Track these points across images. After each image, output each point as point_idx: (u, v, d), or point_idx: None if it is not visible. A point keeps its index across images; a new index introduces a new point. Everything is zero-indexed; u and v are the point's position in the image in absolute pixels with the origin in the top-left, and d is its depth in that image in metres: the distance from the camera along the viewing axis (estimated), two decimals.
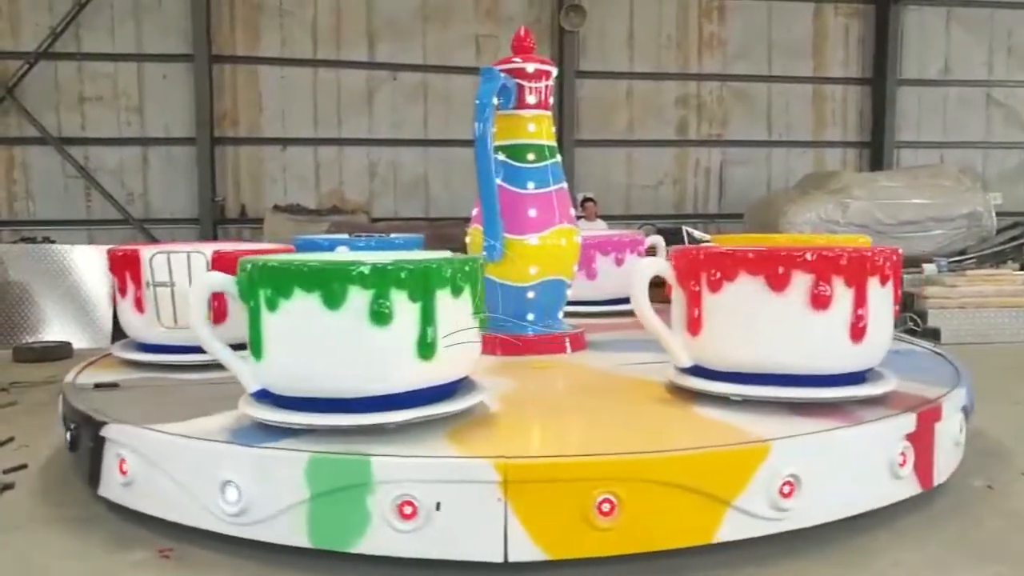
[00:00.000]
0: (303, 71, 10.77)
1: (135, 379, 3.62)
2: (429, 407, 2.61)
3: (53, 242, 8.37)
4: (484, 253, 3.83)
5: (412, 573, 2.43)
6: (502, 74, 3.91)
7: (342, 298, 2.44)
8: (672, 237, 7.85)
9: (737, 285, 2.82)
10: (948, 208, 9.66)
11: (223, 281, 2.71)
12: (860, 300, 2.79)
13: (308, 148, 10.92)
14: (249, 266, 2.60)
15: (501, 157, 3.98)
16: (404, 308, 2.48)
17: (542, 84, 4.03)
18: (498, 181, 3.90)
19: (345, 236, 5.41)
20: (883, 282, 2.87)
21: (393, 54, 11.01)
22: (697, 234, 9.20)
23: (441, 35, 11.11)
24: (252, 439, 2.57)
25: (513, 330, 4.03)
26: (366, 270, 2.45)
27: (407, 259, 2.66)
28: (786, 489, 2.46)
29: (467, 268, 2.68)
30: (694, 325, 2.96)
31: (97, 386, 3.48)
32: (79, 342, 7.21)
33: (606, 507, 2.30)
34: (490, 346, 4.00)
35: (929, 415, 2.88)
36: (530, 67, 3.98)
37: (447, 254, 2.93)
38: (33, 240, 8.68)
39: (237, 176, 10.79)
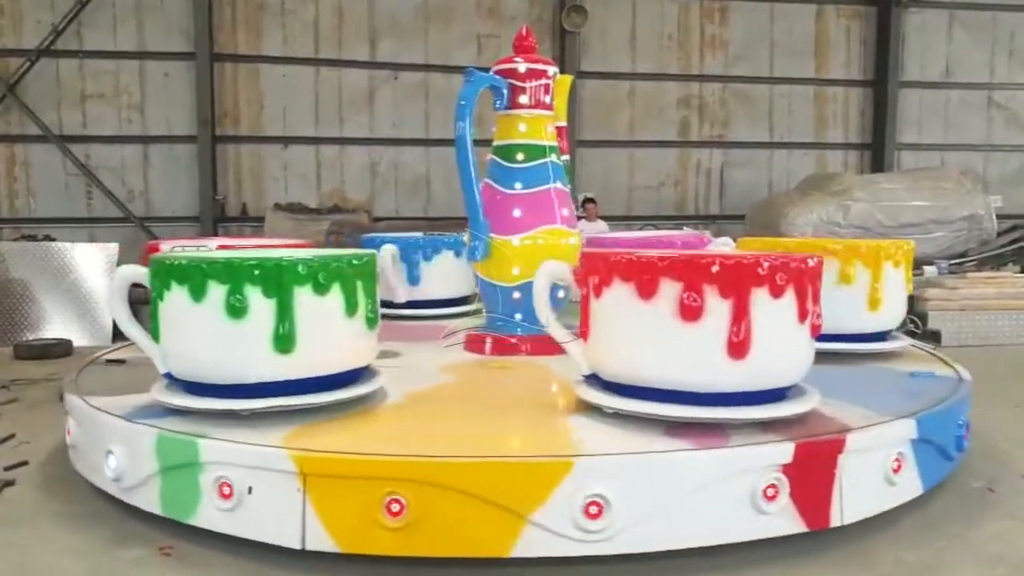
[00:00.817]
0: (305, 70, 10.77)
1: (141, 357, 3.68)
2: (278, 399, 2.75)
3: (54, 240, 8.38)
4: (467, 251, 3.96)
5: (414, 572, 2.43)
6: (491, 75, 3.97)
7: (203, 292, 2.68)
8: None
9: (612, 291, 2.69)
10: (949, 210, 9.65)
11: (138, 273, 2.97)
12: (739, 313, 2.51)
13: (309, 147, 10.93)
14: (152, 260, 2.88)
15: (492, 157, 4.03)
16: (259, 303, 2.67)
17: (534, 84, 4.01)
18: (488, 181, 3.99)
19: (419, 235, 5.41)
20: (775, 294, 2.55)
21: (395, 53, 11.01)
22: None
23: (443, 34, 11.11)
24: (139, 415, 2.86)
25: (503, 330, 4.05)
26: (221, 266, 2.67)
27: (271, 256, 2.83)
28: (592, 510, 2.33)
29: (333, 267, 2.76)
30: (584, 331, 2.89)
31: (108, 361, 3.99)
32: (79, 340, 7.22)
33: (395, 507, 2.34)
34: (480, 344, 4.04)
35: (821, 447, 2.56)
36: (521, 67, 3.97)
37: (333, 252, 3.10)
38: (34, 238, 8.69)
39: (238, 174, 10.79)
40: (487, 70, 4.04)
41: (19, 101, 9.96)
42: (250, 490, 2.48)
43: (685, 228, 9.79)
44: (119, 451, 2.78)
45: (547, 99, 4.07)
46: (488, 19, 11.14)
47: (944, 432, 3.00)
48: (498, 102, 4.01)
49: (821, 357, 2.89)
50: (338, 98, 10.92)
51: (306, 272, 2.70)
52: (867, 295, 3.83)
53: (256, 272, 2.66)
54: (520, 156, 3.98)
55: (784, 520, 2.51)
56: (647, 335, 2.62)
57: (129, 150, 10.44)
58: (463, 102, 3.82)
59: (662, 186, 11.98)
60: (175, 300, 2.75)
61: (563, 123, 4.52)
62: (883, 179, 10.32)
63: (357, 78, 10.94)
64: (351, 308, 2.82)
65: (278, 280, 2.67)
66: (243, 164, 10.79)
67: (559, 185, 4.06)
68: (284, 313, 2.68)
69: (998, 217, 9.98)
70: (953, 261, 9.20)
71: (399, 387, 3.20)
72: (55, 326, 7.44)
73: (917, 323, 7.26)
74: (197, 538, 2.61)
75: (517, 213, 3.92)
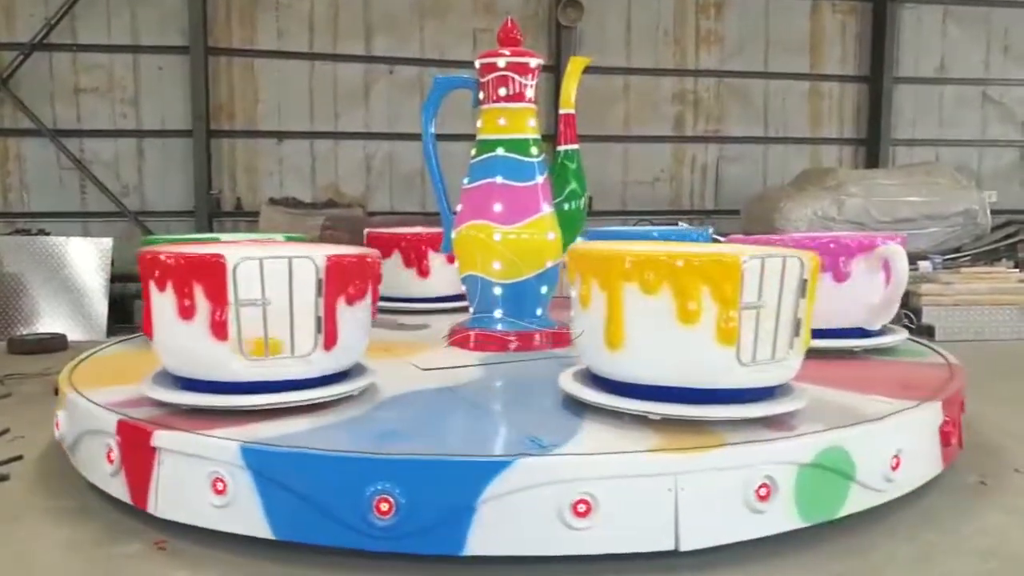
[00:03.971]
0: (299, 64, 10.74)
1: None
2: None
3: (48, 234, 8.35)
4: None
5: (415, 572, 2.44)
6: (457, 77, 4.21)
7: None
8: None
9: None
10: (943, 206, 9.68)
11: None
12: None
13: (304, 141, 10.90)
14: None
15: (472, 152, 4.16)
16: None
17: (491, 77, 4.07)
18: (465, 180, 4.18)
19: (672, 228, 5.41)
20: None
21: (390, 48, 10.99)
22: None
23: (438, 29, 11.09)
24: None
25: (485, 325, 4.05)
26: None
27: None
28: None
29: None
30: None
31: None
32: (74, 334, 7.20)
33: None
34: (465, 340, 4.05)
35: None
36: (476, 62, 4.11)
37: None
38: (28, 232, 8.64)
39: (233, 169, 10.76)
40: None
41: (12, 95, 9.91)
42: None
43: (681, 223, 9.80)
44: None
45: (527, 92, 4.07)
46: (484, 14, 11.11)
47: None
48: (473, 100, 4.16)
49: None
50: (333, 92, 10.90)
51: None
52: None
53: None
54: (500, 150, 4.02)
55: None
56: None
57: (123, 144, 10.40)
58: (424, 106, 4.21)
59: (657, 181, 11.98)
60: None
61: (570, 111, 4.37)
62: (878, 174, 10.34)
63: (352, 72, 10.91)
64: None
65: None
66: (238, 159, 10.76)
67: (540, 180, 4.04)
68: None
69: (992, 212, 10.01)
70: (947, 256, 9.22)
71: None
72: (49, 320, 7.42)
73: (911, 318, 7.28)
74: (191, 533, 2.61)
75: (498, 208, 3.98)
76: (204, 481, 2.55)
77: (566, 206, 4.20)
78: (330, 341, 2.87)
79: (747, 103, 12.10)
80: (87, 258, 7.66)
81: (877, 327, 3.97)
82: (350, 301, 2.94)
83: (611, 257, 2.73)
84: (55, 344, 6.78)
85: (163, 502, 2.67)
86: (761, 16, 11.97)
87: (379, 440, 2.60)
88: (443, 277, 5.32)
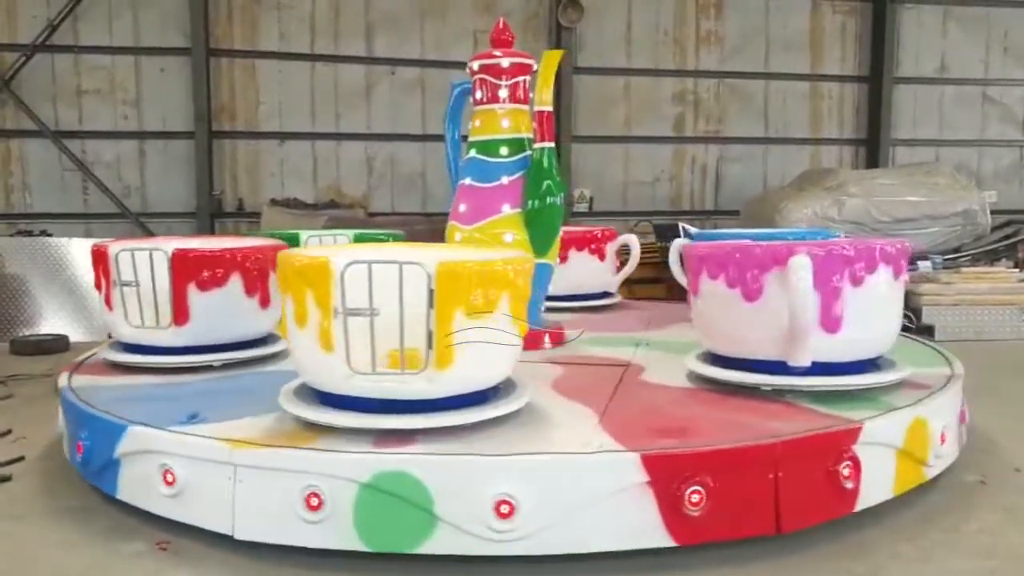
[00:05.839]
0: (301, 65, 10.75)
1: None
2: None
3: (50, 235, 8.35)
4: None
5: (417, 573, 2.45)
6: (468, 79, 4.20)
7: None
8: (668, 232, 7.90)
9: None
10: (943, 206, 9.67)
11: None
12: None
13: (306, 142, 10.92)
14: None
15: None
16: None
17: (474, 80, 4.13)
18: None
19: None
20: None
21: (391, 48, 11.00)
22: (693, 230, 9.20)
23: (439, 29, 11.10)
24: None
25: None
26: None
27: None
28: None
29: None
30: None
31: None
32: (76, 335, 7.20)
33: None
34: None
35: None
36: (474, 64, 4.13)
37: None
38: (30, 233, 8.66)
39: (234, 170, 10.78)
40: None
41: (14, 96, 9.93)
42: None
43: (681, 223, 9.78)
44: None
45: (501, 94, 4.07)
46: (484, 14, 11.12)
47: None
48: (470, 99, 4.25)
49: None
50: (334, 93, 10.91)
51: None
52: None
53: None
54: (473, 152, 4.13)
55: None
56: None
57: (125, 145, 10.42)
58: (449, 112, 4.36)
59: (657, 181, 11.99)
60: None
61: (546, 108, 4.01)
62: (878, 174, 10.33)
63: (353, 73, 10.92)
64: None
65: None
66: (239, 159, 10.77)
67: (504, 181, 4.02)
68: None
69: (992, 212, 10.01)
70: (947, 256, 9.22)
71: None
72: (51, 321, 7.42)
73: (911, 317, 7.28)
74: (194, 534, 2.62)
75: (462, 208, 4.08)
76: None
77: (540, 203, 3.99)
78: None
79: (747, 103, 12.11)
80: (89, 259, 7.65)
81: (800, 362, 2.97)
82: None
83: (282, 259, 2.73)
84: (57, 345, 6.78)
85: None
86: (761, 16, 11.98)
87: None
88: None
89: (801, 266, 2.82)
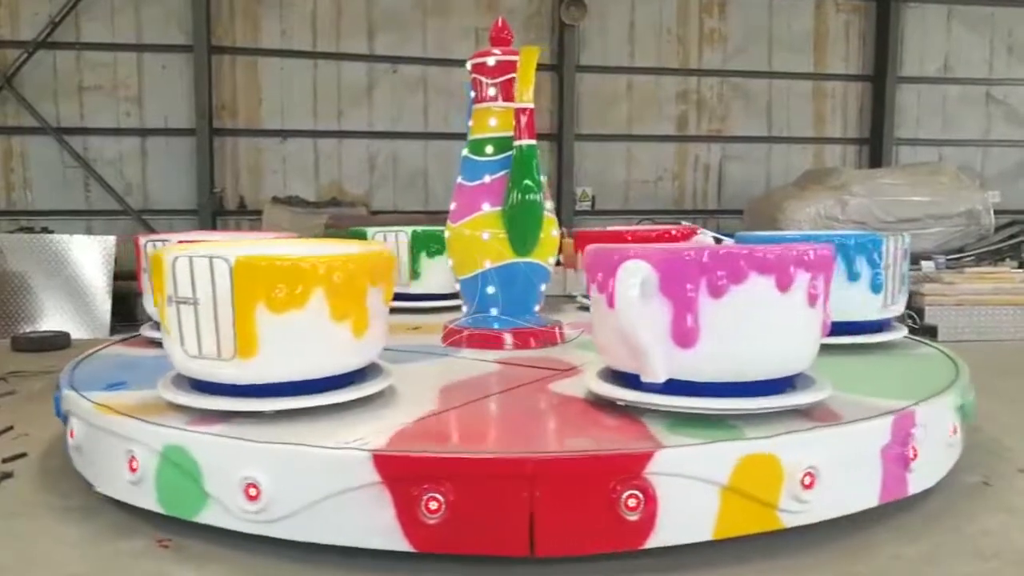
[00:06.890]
0: (303, 63, 10.75)
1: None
2: None
3: (52, 232, 8.36)
4: None
5: (420, 573, 2.44)
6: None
7: None
8: None
9: None
10: (946, 206, 9.66)
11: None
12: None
13: (307, 140, 10.92)
14: None
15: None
16: None
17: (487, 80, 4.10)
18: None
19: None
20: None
21: (393, 46, 10.99)
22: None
23: (441, 27, 11.09)
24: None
25: (461, 323, 4.11)
26: None
27: None
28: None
29: None
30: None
31: None
32: (77, 332, 7.21)
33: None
34: (459, 340, 4.10)
35: None
36: (468, 63, 4.14)
37: None
38: (31, 230, 8.66)
39: (236, 167, 10.78)
40: None
41: (16, 93, 9.94)
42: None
43: (683, 222, 9.79)
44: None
45: (490, 92, 4.07)
46: (487, 12, 11.11)
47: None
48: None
49: None
50: (336, 91, 10.91)
51: None
52: None
53: None
54: (466, 150, 4.12)
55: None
56: None
57: (127, 143, 10.42)
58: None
59: (660, 180, 11.98)
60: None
61: (527, 105, 3.89)
62: (881, 174, 10.32)
63: (355, 71, 10.92)
64: None
65: None
66: (241, 157, 10.77)
67: (486, 179, 4.00)
68: None
69: (996, 213, 9.99)
70: (950, 256, 9.21)
71: None
72: (53, 318, 7.43)
73: (914, 317, 7.27)
74: (195, 532, 2.61)
75: (452, 206, 4.12)
76: None
77: (518, 201, 3.91)
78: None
79: (750, 102, 12.09)
80: (90, 256, 7.67)
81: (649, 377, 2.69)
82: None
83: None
84: (58, 342, 6.79)
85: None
86: (764, 15, 11.97)
87: None
88: None
89: (629, 272, 2.53)
